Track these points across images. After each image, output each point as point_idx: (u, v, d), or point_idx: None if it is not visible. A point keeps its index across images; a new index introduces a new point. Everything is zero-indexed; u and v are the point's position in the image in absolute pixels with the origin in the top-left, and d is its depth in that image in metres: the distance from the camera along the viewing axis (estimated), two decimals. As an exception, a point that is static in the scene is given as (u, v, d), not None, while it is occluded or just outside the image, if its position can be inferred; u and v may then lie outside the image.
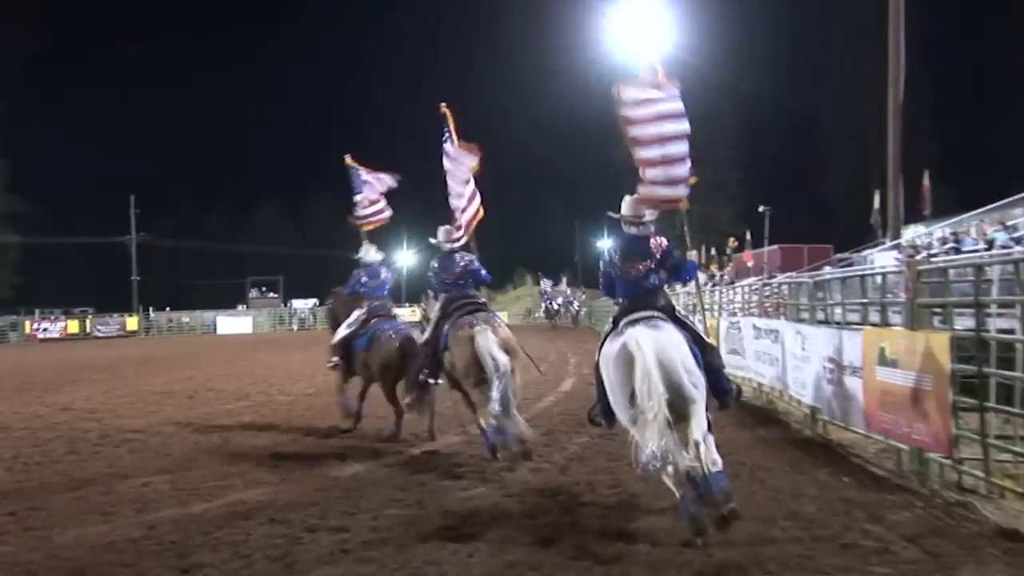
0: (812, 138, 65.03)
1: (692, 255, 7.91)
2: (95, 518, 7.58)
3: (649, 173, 7.79)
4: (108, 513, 7.73)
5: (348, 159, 13.46)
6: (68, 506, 8.04)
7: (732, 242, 40.09)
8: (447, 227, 10.43)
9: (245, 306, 76.42)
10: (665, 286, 7.39)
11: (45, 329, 59.04)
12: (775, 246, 36.87)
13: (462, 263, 10.13)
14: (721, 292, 23.27)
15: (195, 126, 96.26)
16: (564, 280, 55.77)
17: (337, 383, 12.51)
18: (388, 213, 13.21)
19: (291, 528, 7.08)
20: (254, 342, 44.36)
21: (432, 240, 10.40)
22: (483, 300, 10.10)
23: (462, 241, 10.48)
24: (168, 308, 70.73)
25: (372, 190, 13.19)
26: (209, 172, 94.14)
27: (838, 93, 60.00)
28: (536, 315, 56.61)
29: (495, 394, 8.79)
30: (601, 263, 7.58)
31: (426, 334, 10.33)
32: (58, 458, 10.58)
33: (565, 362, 23.00)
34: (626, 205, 7.51)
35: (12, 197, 71.46)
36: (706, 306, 17.85)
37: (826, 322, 11.48)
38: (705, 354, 6.97)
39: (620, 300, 7.34)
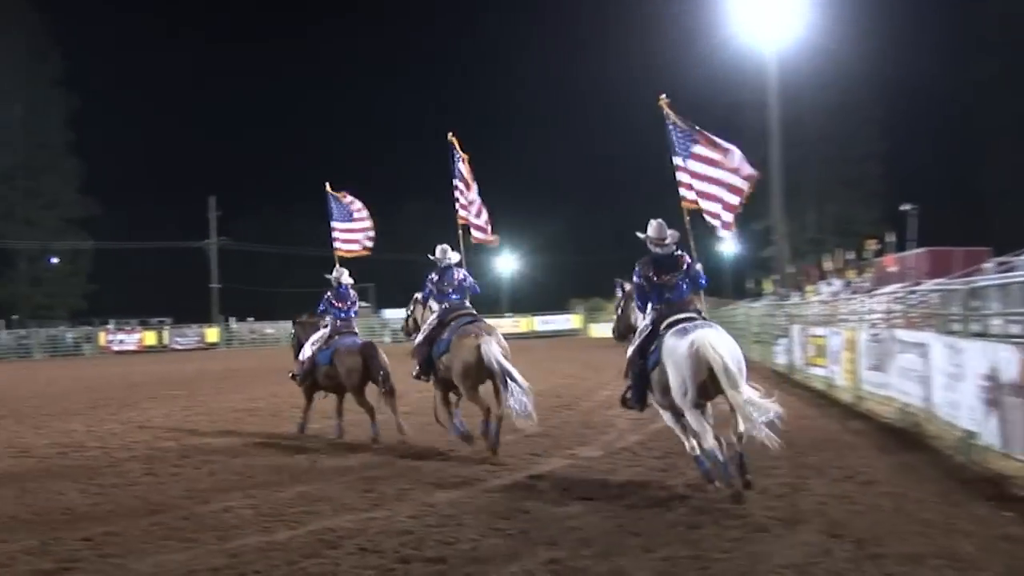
0: (965, 127, 63.12)
1: (699, 266, 9.83)
2: (174, 545, 7.76)
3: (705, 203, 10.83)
4: (188, 540, 7.91)
5: (328, 187, 16.21)
6: (146, 532, 8.25)
7: (872, 244, 39.29)
8: (445, 245, 12.73)
9: (333, 316, 76.81)
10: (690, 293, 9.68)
11: (120, 341, 60.71)
12: (922, 249, 35.93)
13: (458, 276, 12.58)
14: (860, 301, 22.83)
15: (278, 123, 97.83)
16: None
17: (304, 407, 14.61)
18: (367, 244, 15.94)
19: (383, 559, 7.15)
20: (342, 355, 44.75)
21: (430, 256, 12.72)
22: (475, 312, 12.47)
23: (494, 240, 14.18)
24: (250, 318, 71.74)
25: (350, 218, 15.98)
26: (293, 171, 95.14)
27: (996, 75, 58.24)
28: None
29: (510, 392, 11.00)
30: (634, 278, 9.72)
31: (420, 336, 12.58)
32: (135, 480, 10.89)
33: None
34: (652, 228, 9.64)
35: (86, 199, 73.33)
36: (841, 316, 17.58)
37: (982, 335, 11.18)
38: None
39: (658, 307, 9.47)
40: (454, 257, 12.78)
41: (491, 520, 8.29)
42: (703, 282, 9.84)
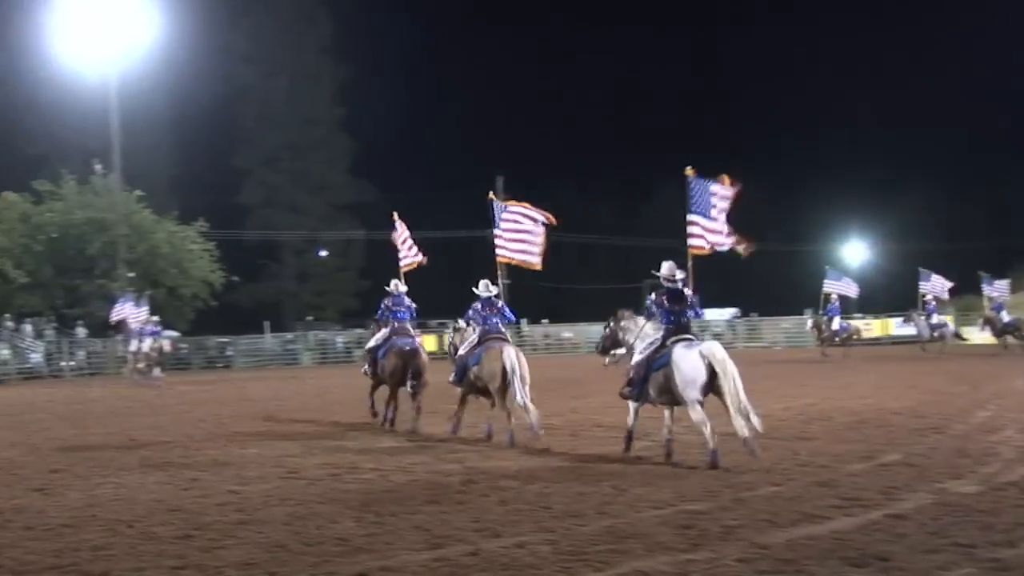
0: None
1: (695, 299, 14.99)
2: (463, 585, 7.99)
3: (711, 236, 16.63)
4: (476, 579, 8.11)
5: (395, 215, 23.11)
6: (427, 568, 8.55)
7: None
8: (486, 280, 18.17)
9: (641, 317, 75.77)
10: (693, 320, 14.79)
11: (395, 345, 62.47)
12: None
13: (498, 305, 18.05)
14: None
15: (576, 91, 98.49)
16: (993, 282, 49.55)
17: (370, 391, 20.56)
18: (419, 258, 22.63)
19: (707, 610, 7.12)
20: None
21: (475, 290, 18.18)
22: (506, 335, 17.87)
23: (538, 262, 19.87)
24: (544, 320, 72.20)
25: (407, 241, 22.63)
26: (595, 147, 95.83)
27: None
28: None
29: (516, 389, 16.36)
30: (647, 301, 14.90)
31: (462, 350, 18.21)
32: (415, 508, 11.25)
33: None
34: (665, 268, 14.71)
35: (358, 182, 76.15)
36: None
37: None
38: None
39: (668, 327, 14.28)
40: (494, 290, 18.15)
41: (840, 568, 8.14)
42: (701, 314, 15.25)
